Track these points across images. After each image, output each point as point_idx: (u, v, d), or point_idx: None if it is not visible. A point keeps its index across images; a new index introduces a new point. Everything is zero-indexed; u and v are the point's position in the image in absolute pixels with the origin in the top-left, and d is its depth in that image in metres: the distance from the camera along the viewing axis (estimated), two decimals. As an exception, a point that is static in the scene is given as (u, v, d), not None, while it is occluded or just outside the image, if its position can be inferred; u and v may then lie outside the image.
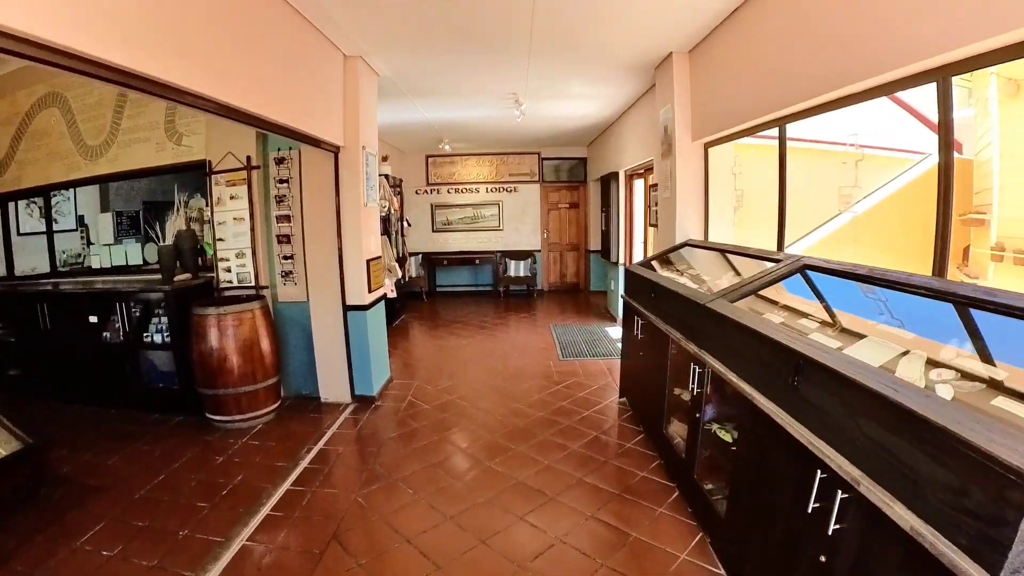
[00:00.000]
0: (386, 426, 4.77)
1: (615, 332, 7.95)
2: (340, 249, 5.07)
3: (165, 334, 5.07)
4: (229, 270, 5.27)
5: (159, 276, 5.33)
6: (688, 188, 5.08)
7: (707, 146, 4.98)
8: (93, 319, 5.38)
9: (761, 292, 3.09)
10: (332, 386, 5.31)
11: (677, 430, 3.81)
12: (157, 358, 5.57)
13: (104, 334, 5.42)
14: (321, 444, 4.43)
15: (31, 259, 7.34)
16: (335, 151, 4.95)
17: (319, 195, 5.06)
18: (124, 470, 4.13)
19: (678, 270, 4.58)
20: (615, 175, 9.02)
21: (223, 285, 5.30)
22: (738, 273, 3.78)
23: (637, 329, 4.53)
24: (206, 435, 4.67)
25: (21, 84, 6.46)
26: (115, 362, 5.44)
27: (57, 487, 3.91)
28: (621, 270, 8.56)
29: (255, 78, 3.38)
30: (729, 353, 2.77)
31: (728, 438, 3.13)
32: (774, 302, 3.09)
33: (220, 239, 5.25)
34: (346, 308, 5.15)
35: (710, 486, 3.16)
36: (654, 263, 4.92)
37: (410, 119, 8.22)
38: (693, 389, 3.21)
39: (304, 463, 4.13)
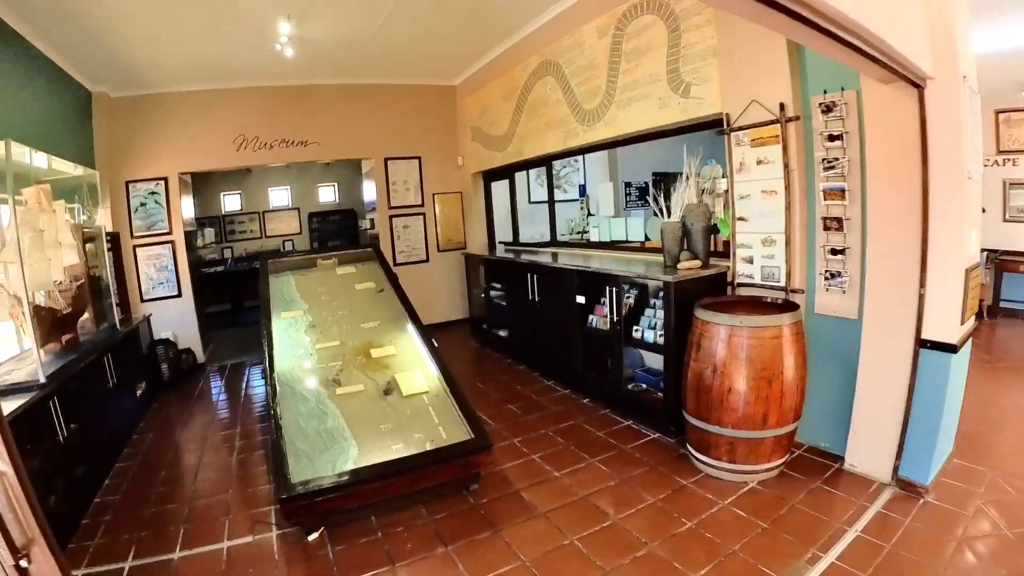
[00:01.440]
0: (935, 550, 2.70)
1: None
2: (924, 246, 3.11)
3: (658, 332, 4.10)
4: (750, 261, 3.92)
5: (661, 258, 4.41)
6: None
7: None
8: (581, 299, 4.85)
9: None
10: (867, 452, 3.45)
11: None
12: (644, 358, 4.73)
13: (590, 318, 4.84)
14: (831, 557, 2.70)
15: (538, 228, 7.67)
16: (918, 85, 2.96)
17: (892, 158, 3.19)
18: (566, 492, 3.46)
19: None
20: None
21: (739, 281, 3.99)
22: None
23: None
24: (680, 474, 3.55)
25: (516, 60, 6.42)
26: (597, 351, 4.81)
27: (488, 488, 3.57)
28: None
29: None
30: None
31: None
32: None
33: (741, 218, 3.93)
34: (920, 342, 3.18)
35: None
36: None
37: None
38: None
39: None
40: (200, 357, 7.33)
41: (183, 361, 6.93)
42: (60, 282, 4.12)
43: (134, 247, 6.87)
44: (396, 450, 3.38)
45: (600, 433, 4.24)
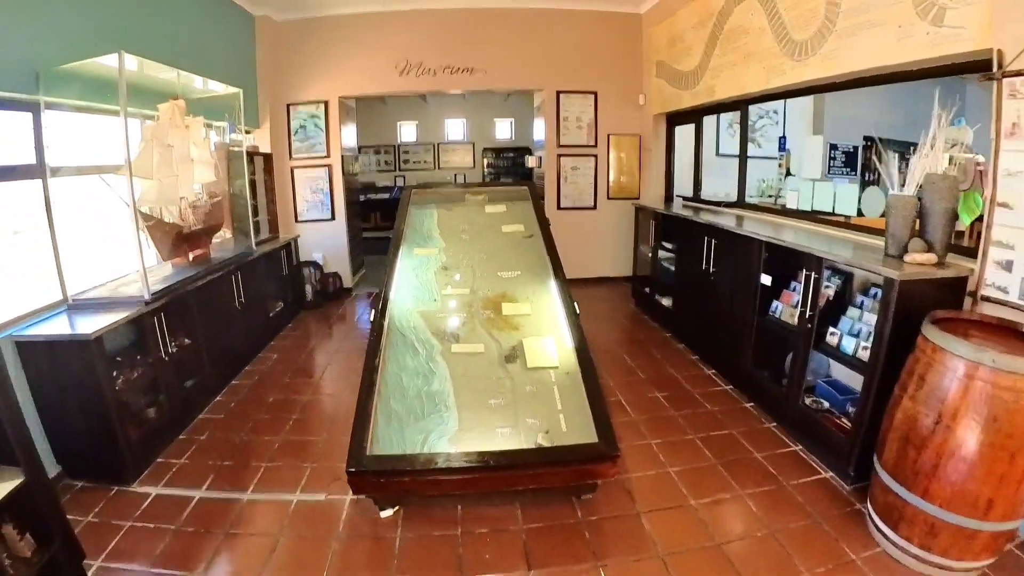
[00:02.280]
0: None
1: None
2: None
3: (864, 343, 3.10)
4: (1008, 267, 2.70)
5: (879, 243, 3.33)
6: None
7: None
8: (766, 279, 3.92)
9: None
10: None
11: None
12: (834, 370, 3.76)
13: (774, 305, 3.90)
14: None
15: (724, 185, 6.57)
16: None
17: None
18: (699, 531, 2.76)
19: None
20: None
21: (987, 293, 2.78)
22: None
23: None
24: (850, 541, 2.64)
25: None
26: (775, 347, 3.91)
27: (604, 502, 2.98)
28: None
29: None
30: None
31: None
32: None
33: (1003, 204, 2.69)
34: None
35: None
36: None
37: None
38: None
39: None
40: (347, 281, 7.42)
41: (329, 284, 7.06)
42: (192, 199, 4.20)
43: (291, 169, 7.01)
44: (502, 434, 2.87)
45: (759, 455, 3.40)
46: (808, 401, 3.55)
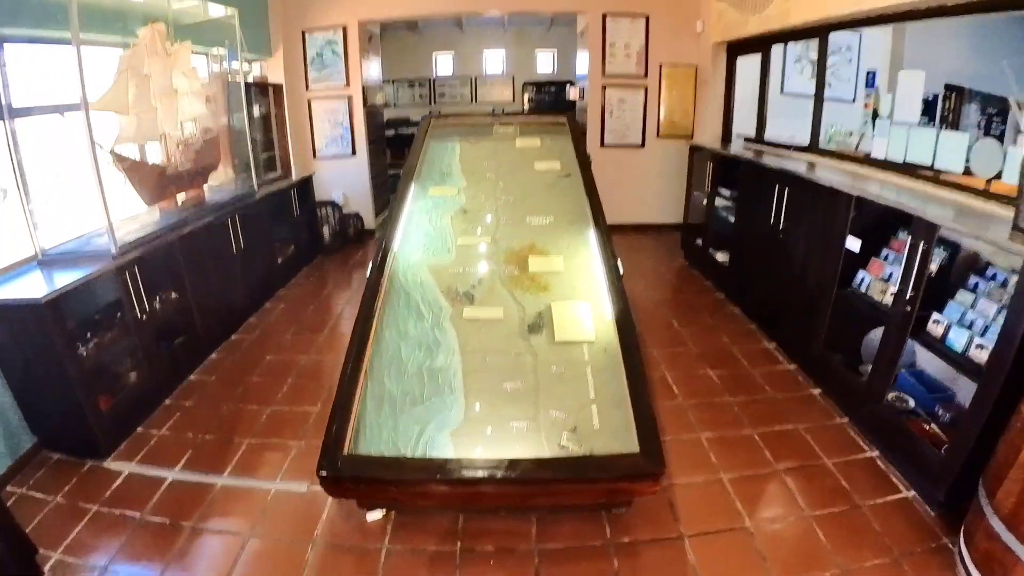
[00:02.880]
0: None
1: None
2: None
3: (979, 339, 2.39)
4: None
5: (1003, 211, 2.54)
6: None
7: None
8: (853, 244, 3.17)
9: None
10: None
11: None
12: (920, 357, 3.07)
13: (860, 276, 3.18)
14: None
15: (788, 127, 5.67)
16: None
17: None
18: (754, 563, 2.20)
19: None
20: None
21: None
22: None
23: None
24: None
25: None
26: (856, 327, 3.25)
27: (640, 519, 2.42)
28: None
29: None
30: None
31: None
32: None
33: None
34: None
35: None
36: None
37: None
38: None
39: None
40: (370, 223, 6.89)
41: (349, 226, 6.57)
42: (182, 136, 3.69)
43: (309, 101, 6.41)
44: (517, 430, 2.31)
45: (829, 462, 2.78)
46: (891, 397, 2.88)
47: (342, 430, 2.25)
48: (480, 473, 2.12)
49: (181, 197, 3.84)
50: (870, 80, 5.55)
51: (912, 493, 2.57)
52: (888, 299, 2.86)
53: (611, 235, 3.17)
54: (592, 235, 3.20)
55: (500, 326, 2.80)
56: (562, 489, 2.18)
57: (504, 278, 3.05)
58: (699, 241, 5.66)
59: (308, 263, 5.98)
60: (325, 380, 3.62)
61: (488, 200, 3.58)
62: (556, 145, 3.98)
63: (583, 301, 2.87)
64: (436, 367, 2.61)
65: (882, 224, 3.04)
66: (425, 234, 3.34)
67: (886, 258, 3.09)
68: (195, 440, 3.07)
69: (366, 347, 2.61)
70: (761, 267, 4.30)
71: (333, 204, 6.43)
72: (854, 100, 5.64)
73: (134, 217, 3.63)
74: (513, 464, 2.14)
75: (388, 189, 7.46)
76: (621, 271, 2.91)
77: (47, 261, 3.06)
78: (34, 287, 2.73)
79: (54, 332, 2.65)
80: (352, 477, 2.16)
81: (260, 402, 3.40)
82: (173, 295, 3.61)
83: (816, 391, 3.43)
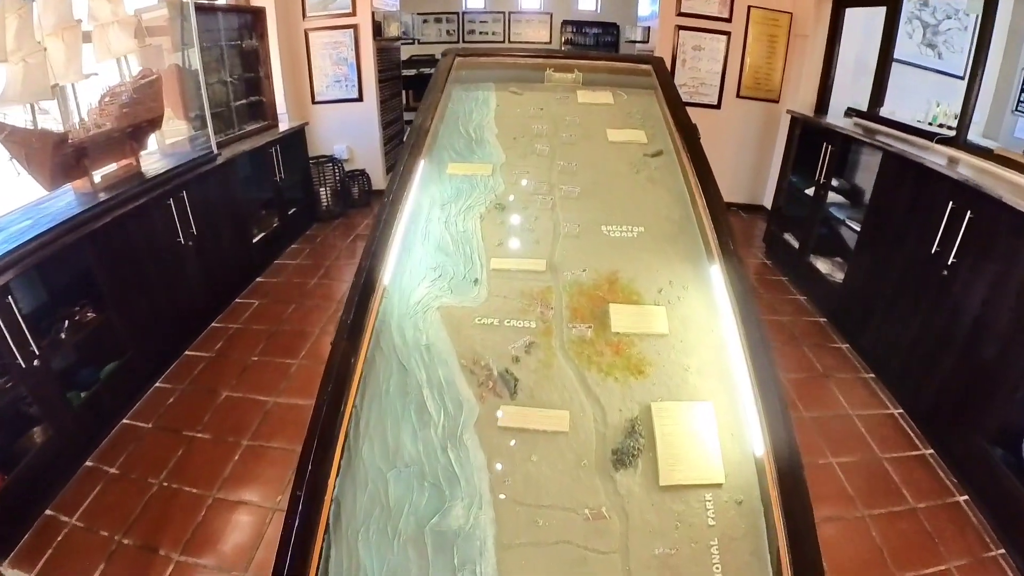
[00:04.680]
0: None
1: None
2: None
3: None
4: None
5: None
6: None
7: None
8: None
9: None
10: None
11: None
12: None
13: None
14: None
15: (895, 100, 4.39)
16: None
17: None
18: None
19: None
20: None
21: None
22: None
23: None
24: None
25: None
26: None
27: None
28: None
29: None
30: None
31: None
32: None
33: None
34: None
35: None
36: None
37: None
38: None
39: None
40: (378, 182, 5.75)
41: (353, 185, 5.51)
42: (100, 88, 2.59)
43: (306, 32, 5.20)
44: None
45: None
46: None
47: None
48: None
49: (99, 173, 2.74)
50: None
51: None
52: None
53: (748, 270, 1.99)
54: (714, 271, 1.64)
55: (563, 447, 1.45)
56: None
57: (567, 343, 1.59)
58: (791, 238, 4.45)
59: (299, 237, 4.91)
60: (290, 437, 2.63)
61: (540, 188, 2.05)
62: (638, 104, 2.43)
63: (703, 401, 1.56)
64: (449, 529, 1.35)
65: None
66: (437, 247, 1.82)
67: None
68: (109, 543, 2.14)
69: (327, 481, 1.45)
70: (903, 304, 3.11)
71: (333, 160, 5.29)
72: (964, 76, 4.29)
73: (37, 203, 2.59)
74: None
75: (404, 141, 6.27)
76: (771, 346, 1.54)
77: None
78: None
79: None
80: None
81: (205, 475, 2.43)
82: (89, 314, 2.60)
83: (962, 498, 2.43)
